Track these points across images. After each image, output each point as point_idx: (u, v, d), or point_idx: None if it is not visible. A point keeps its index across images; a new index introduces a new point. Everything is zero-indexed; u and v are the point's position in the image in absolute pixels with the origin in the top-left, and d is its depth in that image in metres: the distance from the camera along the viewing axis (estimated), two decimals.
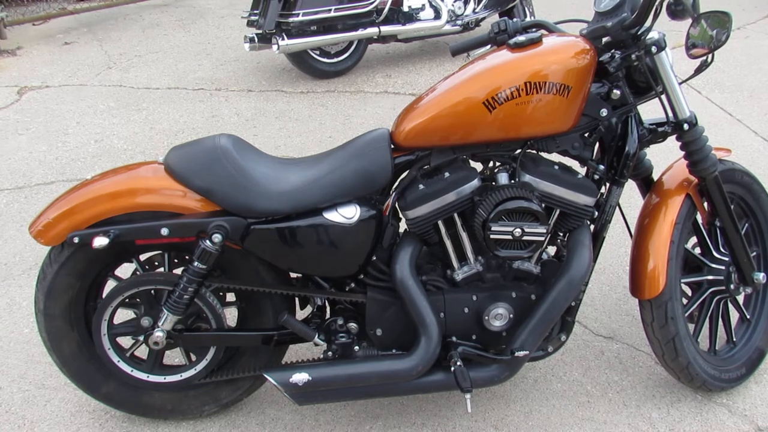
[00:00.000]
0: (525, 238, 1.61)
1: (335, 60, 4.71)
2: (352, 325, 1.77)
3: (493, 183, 1.69)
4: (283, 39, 4.22)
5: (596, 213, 1.75)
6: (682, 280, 1.95)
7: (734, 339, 2.06)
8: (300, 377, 1.63)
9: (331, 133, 3.84)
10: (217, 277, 1.73)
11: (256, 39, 4.43)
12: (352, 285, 1.77)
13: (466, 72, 1.66)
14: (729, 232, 1.89)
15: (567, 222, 1.72)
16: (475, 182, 1.66)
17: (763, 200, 2.05)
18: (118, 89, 4.53)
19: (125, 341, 1.80)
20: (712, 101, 4.19)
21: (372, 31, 4.54)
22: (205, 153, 1.62)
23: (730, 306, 2.06)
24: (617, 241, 2.69)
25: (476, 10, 5.03)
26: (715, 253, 1.96)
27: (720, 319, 2.04)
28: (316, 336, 1.71)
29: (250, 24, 4.49)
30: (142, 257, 1.78)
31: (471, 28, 5.03)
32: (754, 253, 2.12)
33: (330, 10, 4.35)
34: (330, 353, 1.74)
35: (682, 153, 1.81)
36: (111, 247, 1.60)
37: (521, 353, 1.67)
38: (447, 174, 1.67)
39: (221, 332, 1.73)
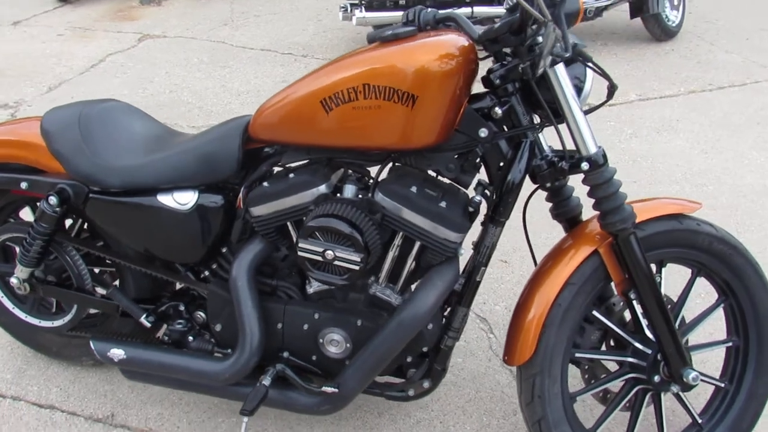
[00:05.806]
0: (337, 263, 1.40)
1: None
2: (200, 315, 1.71)
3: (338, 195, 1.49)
4: (360, 11, 4.11)
5: (461, 251, 1.46)
6: (607, 356, 1.58)
7: None
8: (116, 352, 1.62)
9: None
10: (78, 238, 1.77)
11: (348, 8, 4.38)
12: (206, 274, 1.70)
13: (328, 65, 1.46)
14: (651, 311, 1.46)
15: (427, 255, 1.46)
16: (320, 189, 1.47)
17: (748, 277, 1.55)
18: (218, 45, 4.80)
19: None
20: None
21: (463, 11, 4.23)
22: (67, 117, 1.64)
23: (670, 401, 1.61)
24: None
25: None
26: (647, 332, 1.54)
27: (645, 412, 1.61)
28: (144, 316, 1.68)
29: None
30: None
31: (589, 17, 4.45)
32: (730, 344, 1.63)
33: None
34: (166, 337, 1.71)
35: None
36: None
37: (328, 389, 1.48)
38: (291, 176, 1.50)
39: (74, 291, 1.77)
